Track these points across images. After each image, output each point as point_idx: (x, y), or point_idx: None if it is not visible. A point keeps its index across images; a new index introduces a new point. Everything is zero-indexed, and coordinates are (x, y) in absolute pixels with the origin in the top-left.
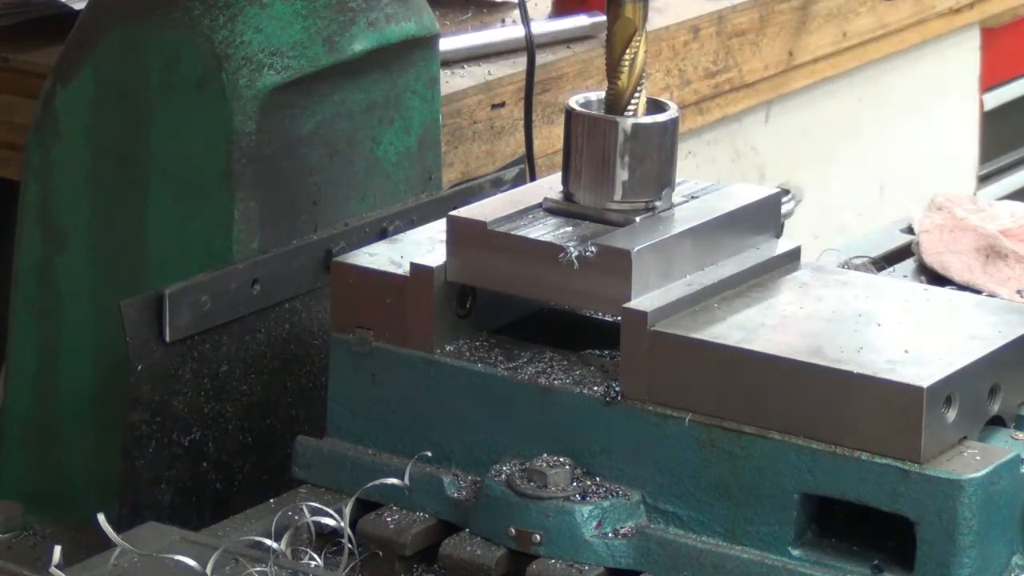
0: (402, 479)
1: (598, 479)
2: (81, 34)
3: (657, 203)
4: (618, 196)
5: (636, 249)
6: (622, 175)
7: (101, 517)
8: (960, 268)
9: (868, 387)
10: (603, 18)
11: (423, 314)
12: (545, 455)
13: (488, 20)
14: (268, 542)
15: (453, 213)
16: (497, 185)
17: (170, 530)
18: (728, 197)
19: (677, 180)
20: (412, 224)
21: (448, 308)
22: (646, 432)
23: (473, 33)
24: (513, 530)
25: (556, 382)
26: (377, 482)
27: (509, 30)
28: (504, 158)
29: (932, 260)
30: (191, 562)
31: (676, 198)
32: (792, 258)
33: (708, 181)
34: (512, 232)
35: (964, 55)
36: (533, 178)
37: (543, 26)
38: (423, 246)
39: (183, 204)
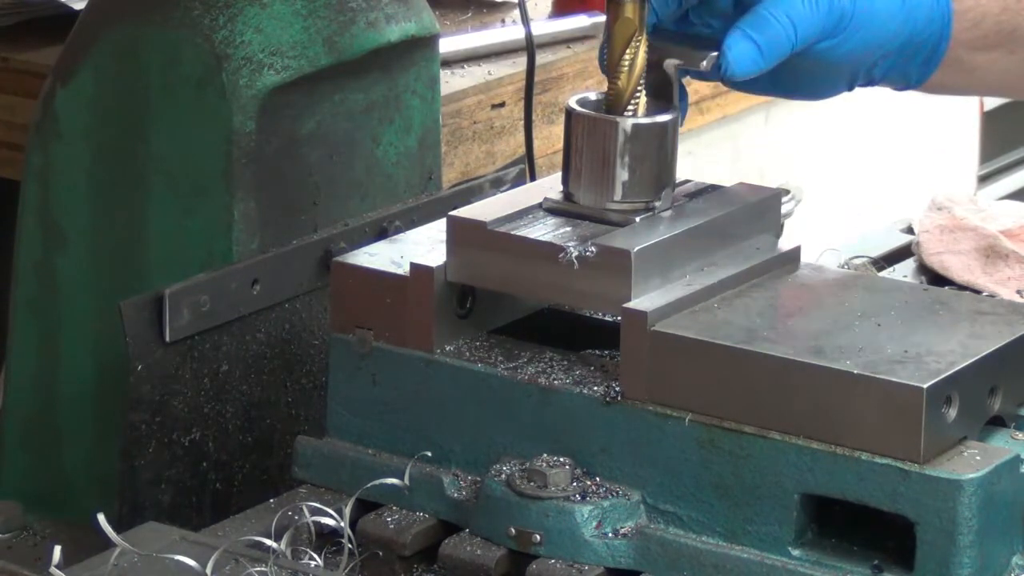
0: (402, 479)
1: (598, 479)
2: (81, 34)
3: (657, 203)
4: (618, 196)
5: (636, 249)
6: (622, 175)
7: (101, 517)
8: (960, 268)
9: (868, 387)
10: (603, 18)
11: (423, 314)
12: (545, 455)
13: (488, 20)
14: (268, 542)
15: (453, 213)
16: (497, 185)
17: (170, 530)
18: (728, 197)
19: (677, 180)
20: (412, 224)
21: (448, 308)
22: (646, 432)
23: (473, 33)
24: (513, 530)
25: (556, 382)
26: (377, 482)
27: (509, 30)
28: (504, 158)
29: (932, 260)
30: (191, 562)
31: (676, 198)
32: (792, 258)
33: (708, 181)
34: (512, 232)
35: None
36: (533, 178)
37: (543, 26)
38: (423, 246)
39: (183, 204)
